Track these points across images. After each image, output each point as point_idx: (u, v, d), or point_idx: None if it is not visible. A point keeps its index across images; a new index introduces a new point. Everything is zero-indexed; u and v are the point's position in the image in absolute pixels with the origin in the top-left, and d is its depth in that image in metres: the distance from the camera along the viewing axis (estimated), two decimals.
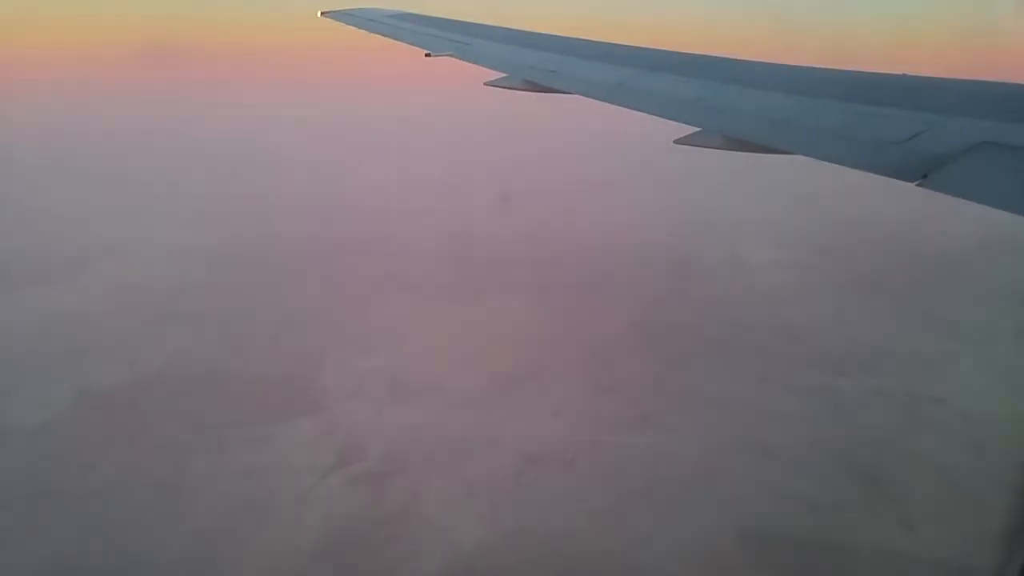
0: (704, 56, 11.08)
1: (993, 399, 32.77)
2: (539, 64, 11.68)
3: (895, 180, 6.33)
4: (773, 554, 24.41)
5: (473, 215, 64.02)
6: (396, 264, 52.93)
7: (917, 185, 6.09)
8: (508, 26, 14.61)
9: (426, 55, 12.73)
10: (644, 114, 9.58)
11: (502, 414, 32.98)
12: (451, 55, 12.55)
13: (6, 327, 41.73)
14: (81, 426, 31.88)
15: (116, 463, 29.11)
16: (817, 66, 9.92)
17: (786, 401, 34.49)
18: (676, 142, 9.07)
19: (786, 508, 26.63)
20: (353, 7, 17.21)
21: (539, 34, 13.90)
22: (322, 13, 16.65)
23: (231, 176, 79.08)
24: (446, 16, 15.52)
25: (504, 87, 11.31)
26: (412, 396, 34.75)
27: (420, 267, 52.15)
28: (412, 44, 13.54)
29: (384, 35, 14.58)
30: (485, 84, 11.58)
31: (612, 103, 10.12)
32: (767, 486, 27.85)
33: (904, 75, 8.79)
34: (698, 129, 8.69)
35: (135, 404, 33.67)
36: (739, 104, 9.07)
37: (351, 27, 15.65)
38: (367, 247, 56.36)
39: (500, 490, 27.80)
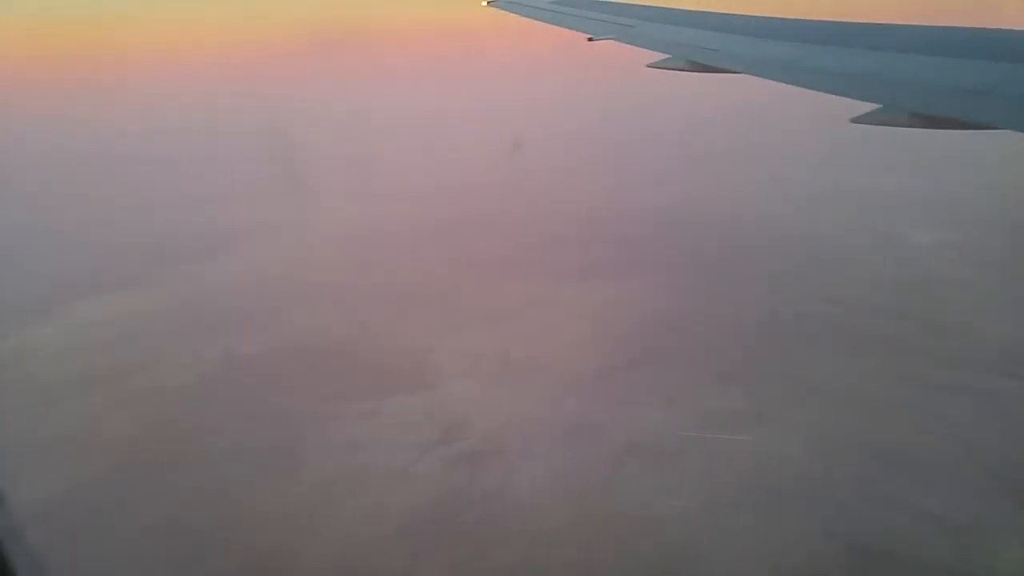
0: (883, 25, 10.26)
1: None
2: (703, 43, 11.35)
3: None
4: (884, 574, 22.75)
5: (635, 199, 63.15)
6: (541, 246, 52.99)
7: None
8: (672, 6, 14.24)
9: (588, 39, 12.71)
10: (818, 92, 9.04)
11: (610, 401, 32.72)
12: (613, 38, 12.45)
13: (161, 299, 46.37)
14: (215, 392, 34.91)
15: (238, 429, 31.61)
16: (1020, 28, 8.87)
17: (930, 403, 31.17)
18: (854, 120, 8.49)
19: (911, 524, 24.46)
20: None
21: (704, 12, 13.48)
22: (488, 2, 17.03)
23: (390, 158, 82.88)
24: None
25: (667, 68, 11.08)
26: (522, 377, 35.11)
27: (568, 249, 51.87)
28: (574, 29, 13.56)
29: (547, 21, 14.70)
30: (647, 66, 11.39)
31: (782, 81, 9.64)
32: (892, 497, 25.75)
33: None
34: (878, 106, 8.07)
35: (263, 374, 36.34)
36: (927, 75, 8.31)
37: (515, 15, 15.89)
38: (522, 230, 56.90)
39: (593, 479, 27.75)
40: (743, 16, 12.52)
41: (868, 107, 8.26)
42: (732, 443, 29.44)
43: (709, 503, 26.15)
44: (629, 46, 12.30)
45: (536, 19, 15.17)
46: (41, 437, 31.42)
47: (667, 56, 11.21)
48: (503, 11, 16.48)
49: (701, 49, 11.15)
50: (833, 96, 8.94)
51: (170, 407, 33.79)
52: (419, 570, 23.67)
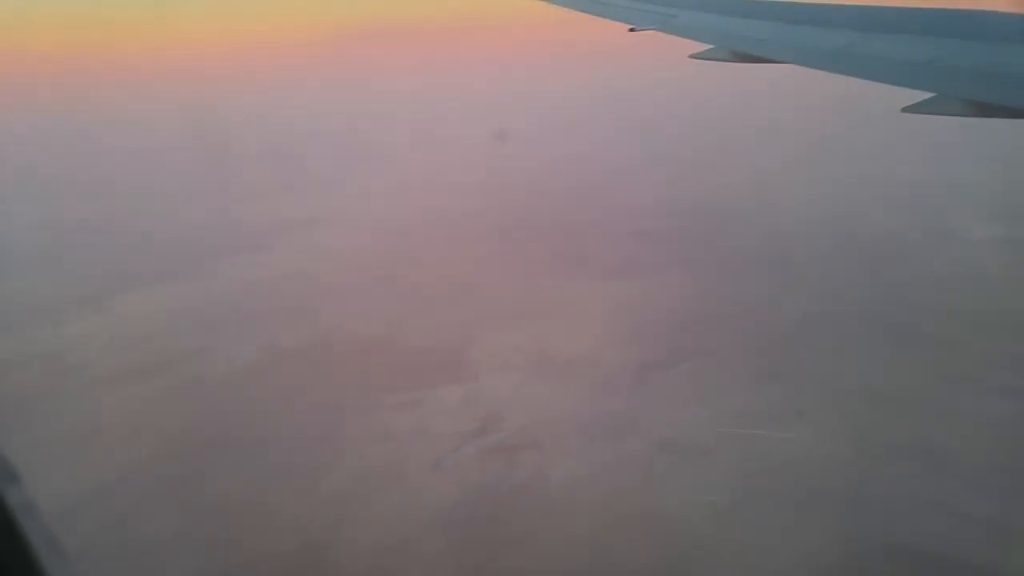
0: (936, 10, 9.86)
1: None
2: (748, 32, 11.10)
3: None
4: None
5: (675, 194, 62.42)
6: (581, 240, 52.87)
7: None
8: None
9: (630, 29, 12.53)
10: (867, 81, 8.76)
11: (647, 397, 32.45)
12: (655, 29, 12.24)
13: (202, 292, 47.64)
14: (259, 382, 35.79)
15: (277, 420, 32.36)
16: None
17: (977, 404, 29.74)
18: (905, 110, 8.22)
19: (958, 526, 23.52)
20: None
21: (749, 1, 13.15)
22: None
23: (428, 151, 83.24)
24: None
25: (711, 59, 10.87)
26: (560, 372, 34.98)
27: (608, 244, 51.65)
28: (616, 20, 13.39)
29: (587, 12, 14.54)
30: (690, 57, 11.19)
31: (831, 71, 9.38)
32: (935, 499, 24.83)
33: None
34: (932, 95, 7.78)
35: (306, 364, 37.09)
36: (984, 61, 7.97)
37: (556, 6, 15.75)
38: (562, 224, 56.60)
39: (627, 475, 27.53)
40: (788, 3, 12.20)
41: (921, 96, 7.97)
42: (770, 440, 28.91)
43: (745, 500, 25.73)
44: (672, 36, 12.09)
45: (577, 10, 15.02)
46: (84, 426, 32.61)
47: (710, 46, 10.99)
48: (544, 2, 16.35)
49: (745, 38, 10.91)
50: (884, 85, 8.65)
51: (210, 398, 34.71)
52: (452, 563, 23.81)
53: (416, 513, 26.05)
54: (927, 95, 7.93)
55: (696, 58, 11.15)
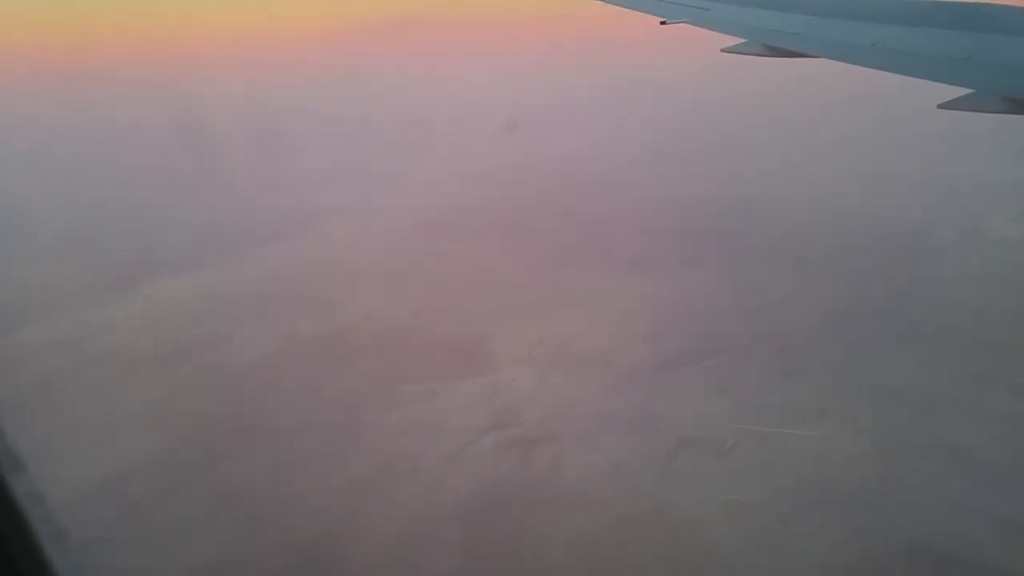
0: (976, 5, 9.68)
1: None
2: (781, 27, 11.00)
3: None
4: None
5: (702, 191, 61.82)
6: (606, 236, 52.92)
7: None
8: None
9: (661, 22, 12.46)
10: (902, 76, 8.64)
11: (667, 392, 32.29)
12: (687, 22, 12.18)
13: (234, 280, 48.12)
14: (281, 370, 36.11)
15: (302, 407, 32.76)
16: None
17: (1005, 404, 29.26)
18: (941, 107, 8.09)
19: (979, 529, 23.17)
20: None
21: None
22: None
23: (456, 145, 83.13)
24: None
25: (742, 53, 10.79)
26: (579, 367, 34.91)
27: (635, 240, 51.43)
28: (648, 12, 13.32)
29: (619, 5, 14.48)
30: (722, 51, 11.12)
31: (865, 66, 9.27)
32: (959, 500, 24.46)
33: None
34: (970, 91, 7.66)
35: (329, 354, 37.43)
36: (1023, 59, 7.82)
37: None
38: (586, 220, 56.38)
39: (646, 470, 27.44)
40: None
41: (957, 92, 7.84)
42: (791, 439, 28.65)
43: (764, 498, 25.57)
44: (704, 29, 12.03)
45: (609, 2, 14.94)
46: (114, 410, 33.25)
47: (743, 40, 10.91)
48: None
49: (778, 32, 10.82)
50: (919, 80, 8.53)
51: (234, 386, 35.13)
52: (467, 556, 23.89)
53: (434, 505, 26.20)
54: (963, 91, 7.82)
55: (728, 52, 11.08)
